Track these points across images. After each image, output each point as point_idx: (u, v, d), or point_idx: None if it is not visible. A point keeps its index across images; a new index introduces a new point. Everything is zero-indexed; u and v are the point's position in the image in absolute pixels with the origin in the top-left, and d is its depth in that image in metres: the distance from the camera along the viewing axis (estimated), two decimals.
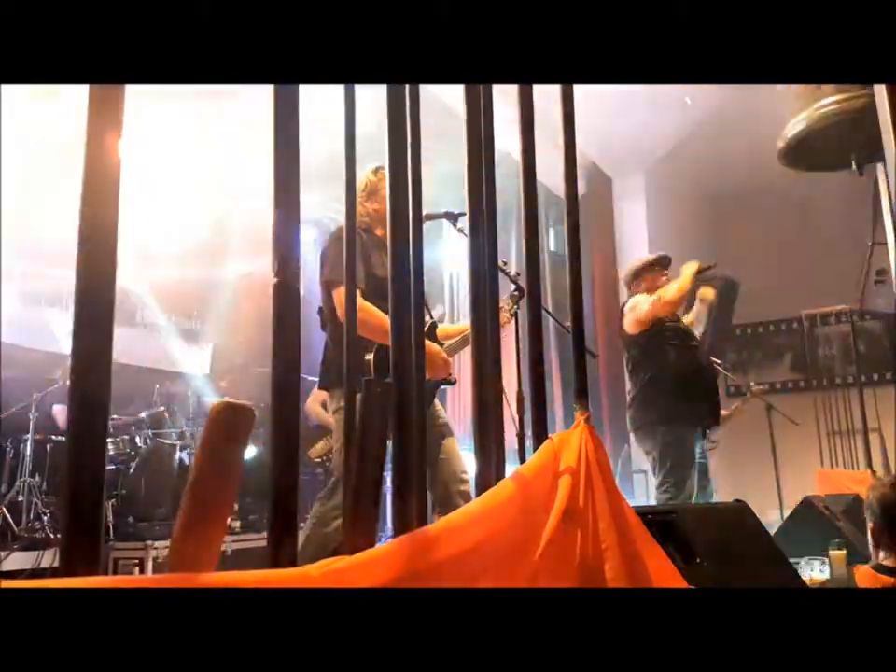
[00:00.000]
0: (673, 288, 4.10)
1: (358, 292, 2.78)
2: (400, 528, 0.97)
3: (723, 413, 5.52)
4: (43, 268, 6.37)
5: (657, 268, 4.29)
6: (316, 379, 3.08)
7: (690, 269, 4.19)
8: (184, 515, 0.64)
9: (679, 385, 3.99)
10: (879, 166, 4.12)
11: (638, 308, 4.13)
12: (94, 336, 0.73)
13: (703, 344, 4.31)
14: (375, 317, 2.56)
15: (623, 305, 4.34)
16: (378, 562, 0.75)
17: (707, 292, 4.50)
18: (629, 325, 4.16)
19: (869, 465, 6.36)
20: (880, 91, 1.16)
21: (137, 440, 5.38)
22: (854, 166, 4.17)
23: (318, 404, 5.77)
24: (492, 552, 0.99)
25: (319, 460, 5.82)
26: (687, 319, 4.47)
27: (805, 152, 4.15)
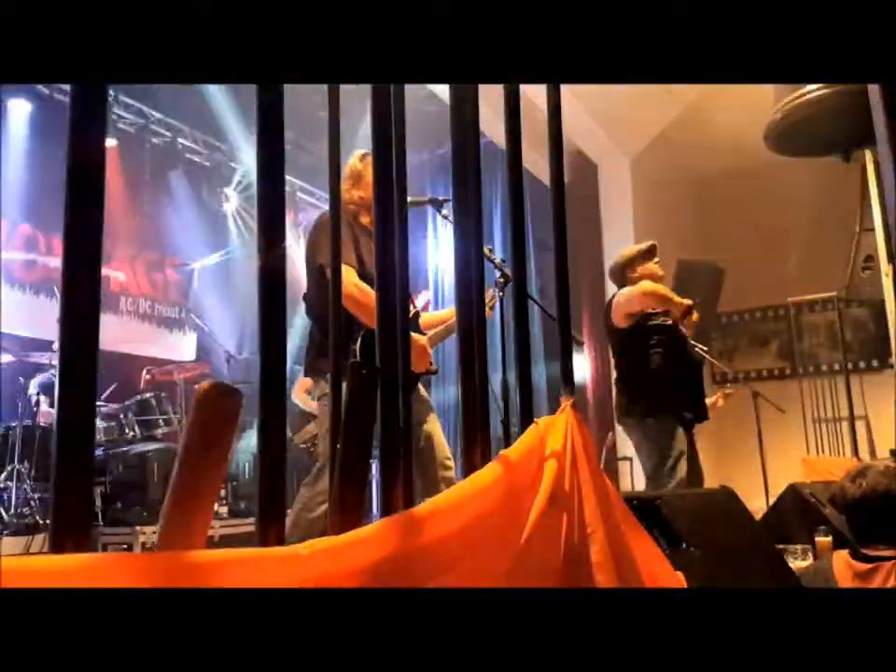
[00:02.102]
0: (662, 287, 4.07)
1: (355, 273, 2.81)
2: (387, 513, 0.98)
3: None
4: (35, 256, 6.37)
5: (649, 256, 4.24)
6: (297, 367, 3.09)
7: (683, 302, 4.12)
8: (172, 497, 0.65)
9: (667, 377, 4.00)
10: (867, 152, 4.13)
11: (627, 299, 4.10)
12: (81, 323, 0.74)
13: (688, 331, 4.31)
14: (372, 300, 2.56)
15: (612, 298, 4.30)
16: (366, 542, 0.76)
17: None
18: (618, 318, 4.14)
19: (855, 452, 6.41)
20: (874, 87, 1.17)
21: (125, 426, 5.40)
22: (841, 152, 4.18)
23: (303, 391, 5.82)
24: (477, 535, 1.01)
25: (304, 445, 5.85)
26: None
27: (791, 137, 4.16)
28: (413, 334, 2.88)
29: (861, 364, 7.85)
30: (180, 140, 7.66)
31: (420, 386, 3.15)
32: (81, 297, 0.75)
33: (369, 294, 2.63)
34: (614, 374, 4.36)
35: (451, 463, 3.07)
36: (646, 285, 4.05)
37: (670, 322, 4.17)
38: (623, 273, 4.26)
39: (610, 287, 4.75)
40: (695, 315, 4.25)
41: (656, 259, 4.25)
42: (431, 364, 3.09)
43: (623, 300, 4.12)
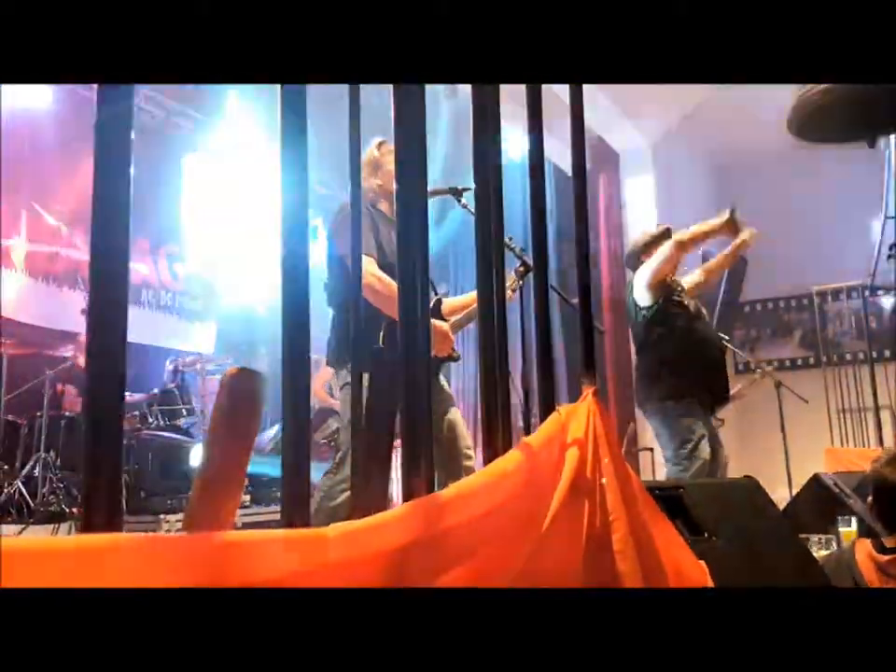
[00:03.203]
0: (684, 232, 4.02)
1: (375, 263, 2.82)
2: (409, 500, 0.99)
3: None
4: (58, 248, 6.43)
5: (663, 239, 4.20)
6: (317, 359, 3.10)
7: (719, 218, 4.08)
8: (199, 483, 0.66)
9: (687, 361, 3.98)
10: (893, 138, 4.08)
11: (644, 271, 4.07)
12: (109, 313, 0.75)
13: (709, 318, 4.29)
14: (393, 291, 2.57)
15: (631, 282, 4.29)
16: (390, 525, 0.77)
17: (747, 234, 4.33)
18: (640, 294, 4.10)
19: (880, 443, 6.36)
20: None
21: (148, 415, 5.46)
22: (864, 138, 4.13)
23: (321, 387, 5.87)
24: (498, 522, 1.01)
25: (326, 441, 5.90)
26: (692, 278, 4.42)
27: (814, 123, 4.10)
28: (433, 320, 2.89)
29: (887, 353, 7.78)
30: (199, 131, 7.69)
31: (441, 377, 3.16)
32: (110, 288, 0.76)
33: (389, 284, 2.64)
34: (635, 360, 4.35)
35: (472, 453, 3.09)
36: (667, 243, 4.01)
37: (689, 302, 4.15)
38: (639, 259, 4.24)
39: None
40: (745, 234, 4.21)
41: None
42: (454, 351, 3.09)
43: (648, 270, 4.06)
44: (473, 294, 3.47)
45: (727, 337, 4.66)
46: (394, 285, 2.68)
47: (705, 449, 3.84)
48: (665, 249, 4.00)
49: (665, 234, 4.23)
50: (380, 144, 3.16)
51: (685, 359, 3.99)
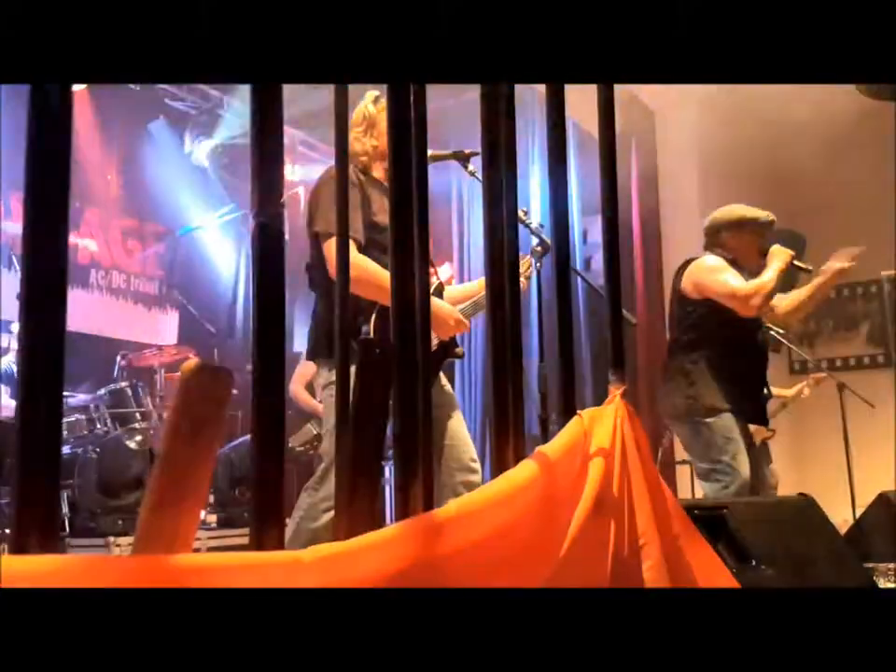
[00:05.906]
0: (767, 282, 3.90)
1: (354, 245, 2.81)
2: (402, 518, 0.99)
3: (783, 392, 5.50)
4: None
5: (763, 231, 4.11)
6: (298, 353, 3.10)
7: (780, 258, 3.95)
8: (151, 498, 0.66)
9: (730, 370, 3.95)
10: None
11: (722, 281, 3.97)
12: (46, 300, 0.75)
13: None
14: (373, 274, 2.57)
15: (688, 262, 4.20)
16: (377, 549, 0.77)
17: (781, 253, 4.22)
18: (693, 285, 4.04)
19: None
20: None
21: (96, 420, 5.43)
22: None
23: (302, 386, 5.86)
24: (508, 545, 1.01)
25: (303, 448, 5.89)
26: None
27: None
28: (443, 303, 2.89)
29: None
30: (161, 85, 7.67)
31: (442, 375, 3.16)
32: (45, 269, 0.76)
33: (371, 270, 2.62)
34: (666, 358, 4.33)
35: (477, 466, 3.08)
36: (740, 289, 3.91)
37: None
38: (716, 236, 4.14)
39: (671, 257, 4.64)
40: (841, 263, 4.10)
41: (765, 237, 4.07)
42: (457, 347, 3.09)
43: (704, 279, 4.00)
44: (480, 281, 3.46)
45: (782, 331, 4.63)
46: (377, 269, 2.68)
47: (744, 465, 3.83)
48: (725, 293, 3.89)
49: (767, 225, 4.11)
50: (375, 99, 3.13)
51: (721, 364, 3.96)
